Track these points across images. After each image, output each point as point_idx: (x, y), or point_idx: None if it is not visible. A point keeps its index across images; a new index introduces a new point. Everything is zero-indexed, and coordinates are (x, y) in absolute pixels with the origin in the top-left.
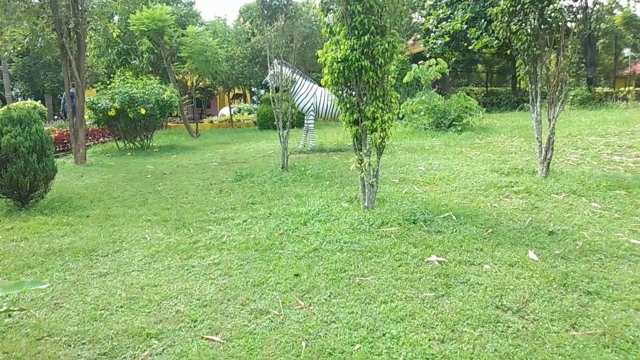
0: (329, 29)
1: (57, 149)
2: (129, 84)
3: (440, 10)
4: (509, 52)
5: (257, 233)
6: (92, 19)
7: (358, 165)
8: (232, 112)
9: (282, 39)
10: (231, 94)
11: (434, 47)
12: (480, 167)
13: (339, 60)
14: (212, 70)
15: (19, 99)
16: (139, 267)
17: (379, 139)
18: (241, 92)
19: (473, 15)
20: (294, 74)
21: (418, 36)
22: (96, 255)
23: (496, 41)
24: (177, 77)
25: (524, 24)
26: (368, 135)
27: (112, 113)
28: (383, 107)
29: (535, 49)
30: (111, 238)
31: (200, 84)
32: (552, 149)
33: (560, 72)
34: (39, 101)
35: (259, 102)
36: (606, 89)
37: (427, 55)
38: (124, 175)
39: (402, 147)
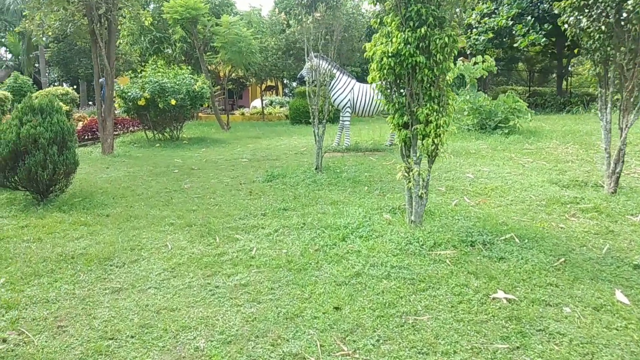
0: (378, 20)
1: (86, 137)
2: (160, 73)
3: (484, 5)
4: (554, 50)
5: (289, 247)
6: (124, 5)
7: (405, 174)
8: (263, 105)
9: (322, 30)
10: (263, 86)
11: (477, 43)
12: (536, 178)
13: (390, 54)
14: (245, 61)
15: (55, 83)
16: (156, 283)
17: (432, 145)
18: (273, 84)
19: (519, 11)
20: (332, 68)
21: (459, 31)
22: (111, 265)
23: (544, 39)
24: (209, 67)
25: (596, 21)
26: (419, 141)
27: (141, 103)
28: (438, 109)
29: (609, 48)
30: (129, 244)
31: (233, 75)
32: (623, 162)
33: (637, 75)
34: (73, 87)
35: (291, 95)
36: None
37: (469, 52)
38: (151, 169)
39: (445, 149)
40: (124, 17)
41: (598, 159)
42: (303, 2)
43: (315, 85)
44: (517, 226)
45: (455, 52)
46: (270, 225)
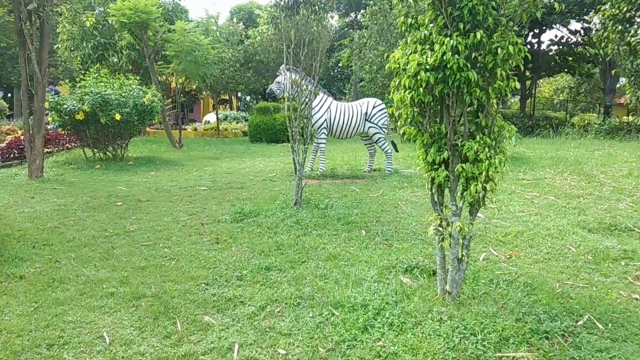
0: (410, 20)
1: (12, 156)
2: (103, 84)
3: None
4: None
5: (287, 344)
6: (60, 2)
7: (439, 229)
8: (219, 120)
9: (304, 37)
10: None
11: None
12: (557, 220)
13: (429, 67)
14: (201, 72)
15: None
16: None
17: (482, 191)
18: (227, 97)
19: None
20: (302, 80)
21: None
22: None
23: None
24: (159, 77)
25: None
26: (460, 184)
27: (80, 117)
28: (491, 144)
29: None
30: (47, 335)
31: (186, 87)
32: None
33: None
34: (3, 96)
35: (244, 109)
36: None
37: None
38: (87, 201)
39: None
40: (62, 16)
41: (606, 194)
42: (282, 3)
43: (294, 102)
44: (583, 299)
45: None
46: (253, 299)
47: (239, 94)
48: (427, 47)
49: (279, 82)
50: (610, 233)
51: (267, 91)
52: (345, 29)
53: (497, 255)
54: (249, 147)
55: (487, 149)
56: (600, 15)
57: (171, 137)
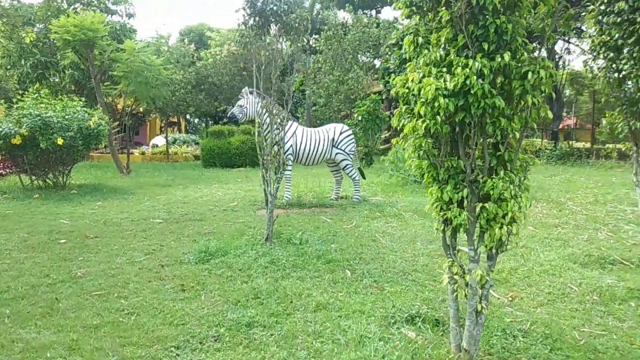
0: (421, 39)
1: None
2: (43, 105)
3: (403, 50)
4: None
5: None
6: None
7: (454, 278)
8: (168, 143)
9: (276, 58)
10: (163, 122)
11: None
12: (546, 253)
13: (448, 93)
14: (152, 94)
15: None
16: None
17: (506, 234)
18: (175, 120)
19: None
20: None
21: (376, 75)
22: None
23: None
24: (106, 99)
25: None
26: (477, 227)
27: (16, 141)
28: (514, 181)
29: None
30: None
31: (135, 109)
32: None
33: None
34: None
35: (192, 131)
36: (581, 144)
37: (384, 97)
38: (25, 238)
39: (402, 207)
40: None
41: (582, 222)
42: (252, 22)
43: (264, 127)
44: (610, 351)
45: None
46: None
47: (188, 117)
48: (444, 69)
49: (241, 106)
50: (602, 267)
51: (228, 114)
52: (298, 53)
53: (498, 298)
54: (202, 172)
55: (512, 187)
56: (590, 42)
57: (118, 162)
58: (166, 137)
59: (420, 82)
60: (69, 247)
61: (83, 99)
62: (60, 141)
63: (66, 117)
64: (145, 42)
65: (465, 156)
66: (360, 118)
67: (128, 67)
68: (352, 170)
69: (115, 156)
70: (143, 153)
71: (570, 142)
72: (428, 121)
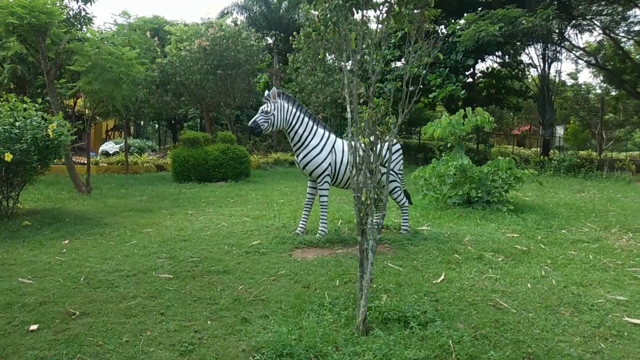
0: None
1: None
2: None
3: (387, 51)
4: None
5: None
6: None
7: None
8: (127, 150)
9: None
10: (109, 125)
11: (380, 90)
12: None
13: None
14: (125, 94)
15: None
16: None
17: None
18: (123, 123)
19: (431, 60)
20: (299, 112)
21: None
22: None
23: (463, 91)
24: (58, 100)
25: None
26: None
27: None
28: None
29: None
30: None
31: (97, 113)
32: None
33: None
34: None
35: (147, 136)
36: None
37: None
38: None
39: (472, 243)
40: None
41: None
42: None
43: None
44: None
45: None
46: None
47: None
48: None
49: (267, 113)
50: None
51: (250, 124)
52: (265, 52)
53: None
54: (180, 189)
55: None
56: None
57: (76, 179)
58: (126, 144)
59: None
60: (46, 343)
61: (40, 100)
62: (8, 157)
63: (16, 124)
64: (112, 30)
65: None
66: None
67: (91, 61)
68: (400, 194)
69: (72, 170)
70: (97, 163)
71: (578, 153)
72: None
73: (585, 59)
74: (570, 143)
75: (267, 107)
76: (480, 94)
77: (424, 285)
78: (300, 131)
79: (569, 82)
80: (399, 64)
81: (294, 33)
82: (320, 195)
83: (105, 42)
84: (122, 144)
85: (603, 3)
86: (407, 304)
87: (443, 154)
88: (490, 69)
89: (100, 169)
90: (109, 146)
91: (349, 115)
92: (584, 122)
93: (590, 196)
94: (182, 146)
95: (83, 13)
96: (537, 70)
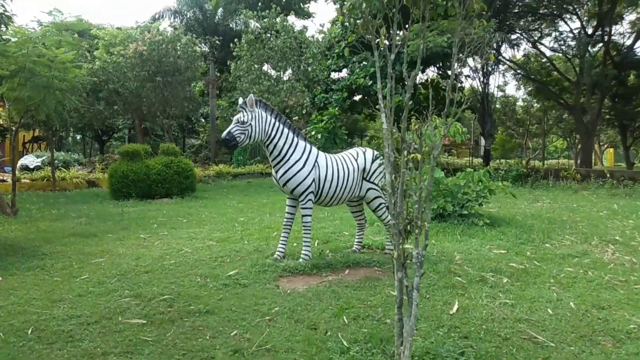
0: None
1: None
2: None
3: (330, 61)
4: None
5: None
6: None
7: None
8: (53, 165)
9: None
10: (26, 137)
11: (325, 101)
12: None
13: None
14: (58, 101)
15: None
16: None
17: None
18: (46, 134)
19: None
20: (279, 123)
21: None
22: None
23: (411, 102)
24: None
25: None
26: None
27: None
28: None
29: None
30: None
31: (23, 122)
32: None
33: None
34: None
35: (71, 148)
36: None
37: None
38: None
39: (468, 264)
40: None
41: None
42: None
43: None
44: None
45: None
46: None
47: (62, 132)
48: None
49: (243, 123)
50: None
51: (223, 136)
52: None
53: None
54: (121, 208)
55: None
56: None
57: (0, 200)
58: (52, 158)
59: None
60: None
61: None
62: None
63: None
64: (45, 27)
65: None
66: (319, 137)
67: (17, 64)
68: (386, 212)
69: None
70: (18, 179)
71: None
72: None
73: (517, 71)
74: (498, 153)
75: (244, 116)
76: (421, 105)
77: (442, 318)
78: (281, 144)
79: (498, 94)
80: (342, 74)
81: (235, 40)
82: (303, 215)
83: (35, 43)
84: (43, 158)
85: (530, 19)
86: (439, 344)
87: None
88: (429, 80)
89: (22, 186)
90: (29, 160)
91: (384, 126)
92: (510, 132)
93: (548, 206)
94: (120, 160)
95: (2, 10)
96: (477, 82)
